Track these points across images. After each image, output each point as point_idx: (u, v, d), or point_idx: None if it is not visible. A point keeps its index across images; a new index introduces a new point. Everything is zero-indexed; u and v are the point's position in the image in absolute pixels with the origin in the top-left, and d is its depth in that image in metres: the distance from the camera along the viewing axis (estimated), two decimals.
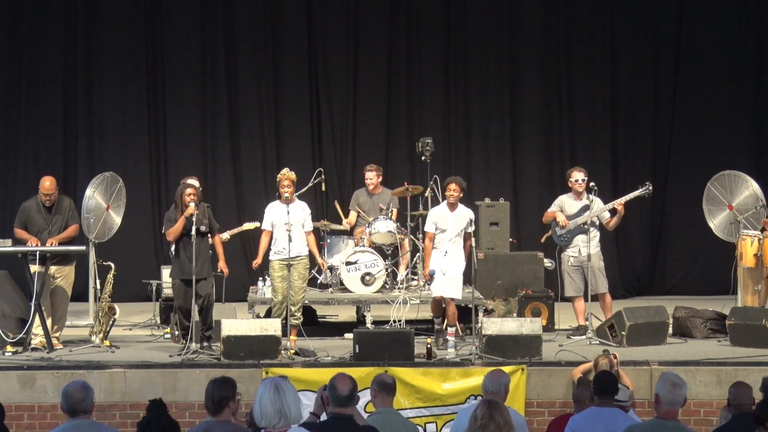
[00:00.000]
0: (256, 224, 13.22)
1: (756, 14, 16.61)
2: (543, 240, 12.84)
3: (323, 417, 6.55)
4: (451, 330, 11.59)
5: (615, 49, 16.59)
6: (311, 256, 11.72)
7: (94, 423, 6.48)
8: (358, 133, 16.46)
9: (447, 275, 11.61)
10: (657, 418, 6.57)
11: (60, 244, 11.49)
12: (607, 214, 12.36)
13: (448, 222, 11.68)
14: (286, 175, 11.45)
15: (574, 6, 16.58)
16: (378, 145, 16.37)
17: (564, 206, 12.35)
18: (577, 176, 12.29)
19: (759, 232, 12.18)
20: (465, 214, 11.72)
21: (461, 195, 11.80)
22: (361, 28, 16.50)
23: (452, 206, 11.71)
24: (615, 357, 10.12)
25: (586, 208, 12.21)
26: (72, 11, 16.23)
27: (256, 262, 11.69)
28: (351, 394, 6.24)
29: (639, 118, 16.61)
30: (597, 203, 12.29)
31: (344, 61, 16.43)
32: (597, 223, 12.33)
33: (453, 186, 11.71)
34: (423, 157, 13.75)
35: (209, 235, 11.35)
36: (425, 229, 11.87)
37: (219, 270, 11.39)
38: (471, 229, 11.70)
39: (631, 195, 12.55)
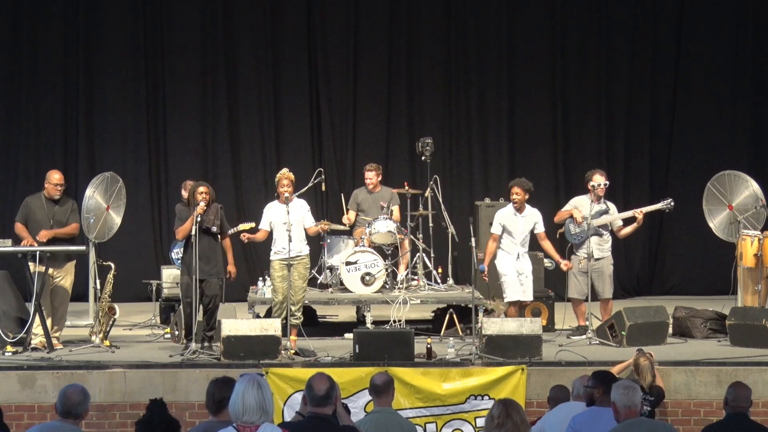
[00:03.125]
0: (251, 224, 13.18)
1: (755, 14, 16.61)
2: (558, 236, 12.68)
3: None
4: None
5: (614, 49, 16.58)
6: (310, 256, 11.71)
7: (75, 429, 6.42)
8: (358, 133, 16.45)
9: (524, 278, 11.76)
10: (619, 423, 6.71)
11: (58, 241, 11.47)
12: (620, 222, 12.28)
13: (516, 224, 11.79)
14: (285, 174, 11.44)
15: (572, 6, 16.58)
16: (378, 145, 16.36)
17: (580, 207, 12.18)
18: (599, 180, 12.10)
19: (759, 232, 12.17)
20: (532, 215, 11.89)
21: (527, 196, 11.88)
22: (361, 28, 16.48)
23: (519, 209, 11.83)
24: (652, 356, 10.06)
25: (603, 211, 12.13)
26: (72, 11, 16.22)
27: (247, 235, 11.78)
28: (328, 394, 6.21)
29: (638, 118, 16.59)
30: (614, 208, 12.26)
31: (344, 61, 16.42)
32: (609, 228, 12.26)
33: (515, 189, 11.86)
34: (423, 157, 13.77)
35: (219, 236, 11.33)
36: (492, 230, 11.94)
37: (227, 273, 11.38)
38: (541, 229, 11.88)
39: (652, 207, 12.52)
